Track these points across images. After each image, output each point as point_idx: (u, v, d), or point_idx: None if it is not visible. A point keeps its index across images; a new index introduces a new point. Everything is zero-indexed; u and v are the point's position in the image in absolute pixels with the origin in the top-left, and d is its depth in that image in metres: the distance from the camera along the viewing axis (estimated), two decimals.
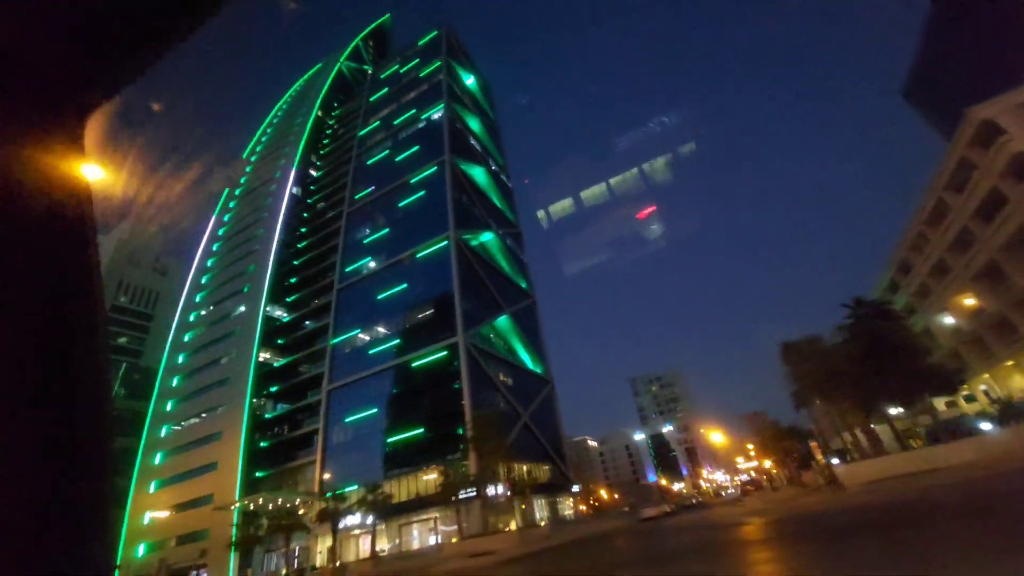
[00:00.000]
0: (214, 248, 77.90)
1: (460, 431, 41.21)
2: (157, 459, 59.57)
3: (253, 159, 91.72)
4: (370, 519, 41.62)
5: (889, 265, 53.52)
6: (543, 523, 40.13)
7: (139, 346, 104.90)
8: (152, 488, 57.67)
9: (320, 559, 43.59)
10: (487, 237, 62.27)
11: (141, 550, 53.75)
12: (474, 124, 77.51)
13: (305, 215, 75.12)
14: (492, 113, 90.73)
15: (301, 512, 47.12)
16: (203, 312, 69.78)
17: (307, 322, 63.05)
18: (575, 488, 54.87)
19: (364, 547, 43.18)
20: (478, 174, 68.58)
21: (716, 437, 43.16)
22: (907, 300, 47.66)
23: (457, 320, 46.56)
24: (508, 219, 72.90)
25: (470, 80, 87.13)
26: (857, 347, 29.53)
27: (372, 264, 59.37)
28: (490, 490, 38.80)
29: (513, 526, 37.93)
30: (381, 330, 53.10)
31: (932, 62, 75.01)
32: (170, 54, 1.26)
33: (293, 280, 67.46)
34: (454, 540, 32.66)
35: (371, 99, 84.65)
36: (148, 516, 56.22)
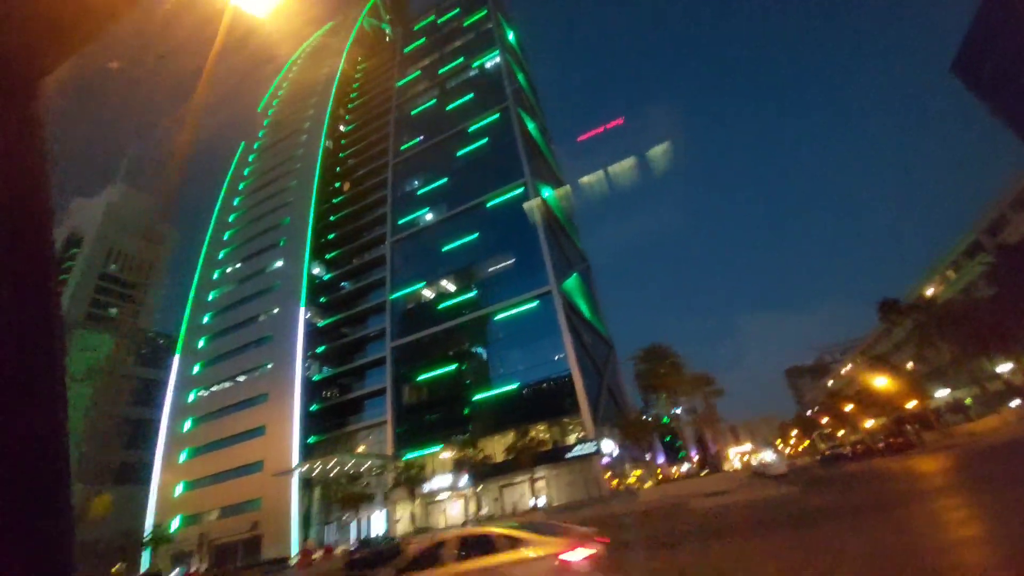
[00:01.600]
0: (235, 203, 71.13)
1: (566, 387, 37.56)
2: (186, 426, 53.66)
3: (270, 113, 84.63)
4: (463, 481, 37.69)
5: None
6: (677, 476, 36.96)
7: (133, 317, 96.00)
8: (183, 457, 51.88)
9: (401, 526, 39.29)
10: (548, 191, 58.15)
11: (176, 523, 48.15)
12: (520, 78, 72.85)
13: (338, 169, 69.21)
14: (530, 71, 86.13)
15: (365, 482, 42.90)
16: (229, 269, 63.41)
17: (350, 279, 57.88)
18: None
19: (452, 512, 39.17)
20: (532, 128, 64.24)
21: (880, 381, 40.09)
22: None
23: (548, 270, 42.62)
24: (557, 176, 68.91)
25: (511, 34, 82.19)
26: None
27: (430, 215, 54.58)
28: (604, 447, 35.30)
29: (642, 482, 34.57)
30: (449, 283, 48.58)
31: (984, 37, 74.57)
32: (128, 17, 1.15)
33: (331, 236, 61.84)
34: (647, 485, 28.98)
35: (406, 50, 78.86)
36: (180, 487, 50.54)
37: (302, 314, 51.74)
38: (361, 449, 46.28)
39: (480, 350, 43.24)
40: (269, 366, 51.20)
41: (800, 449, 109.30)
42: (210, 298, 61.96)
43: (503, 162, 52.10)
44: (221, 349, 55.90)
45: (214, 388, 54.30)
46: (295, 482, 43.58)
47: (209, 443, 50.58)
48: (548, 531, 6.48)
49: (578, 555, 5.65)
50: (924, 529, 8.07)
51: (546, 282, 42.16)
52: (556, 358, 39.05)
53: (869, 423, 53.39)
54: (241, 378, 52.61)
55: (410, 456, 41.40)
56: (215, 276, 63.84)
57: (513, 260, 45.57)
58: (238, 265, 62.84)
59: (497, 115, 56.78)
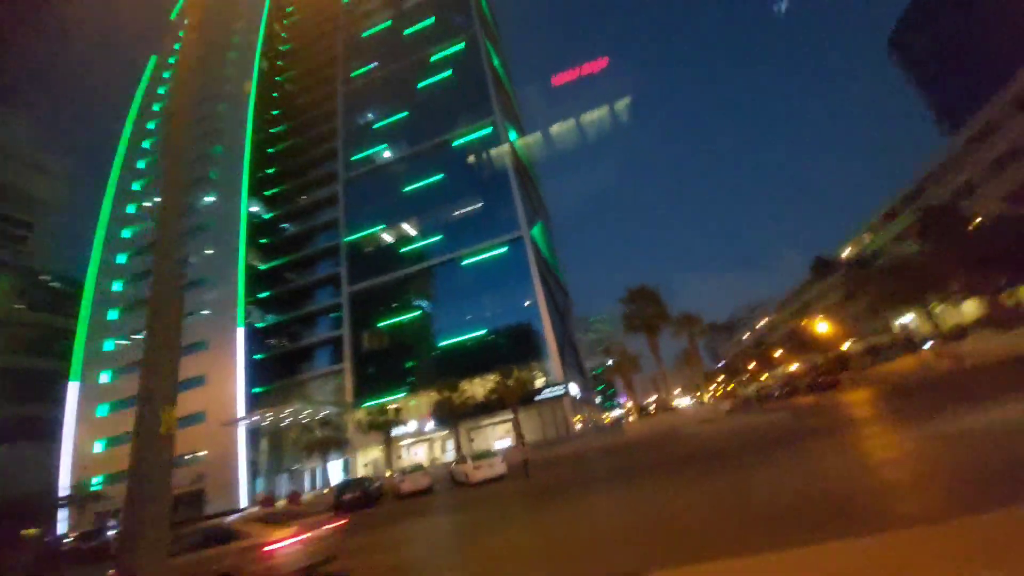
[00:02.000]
0: (149, 127, 61.19)
1: (533, 331, 37.32)
2: (104, 378, 47.79)
3: (186, 23, 72.01)
4: (430, 426, 37.06)
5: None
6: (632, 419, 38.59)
7: (26, 261, 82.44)
8: (102, 411, 46.46)
9: (365, 472, 38.22)
10: (514, 136, 55.58)
11: (97, 482, 43.67)
12: (484, 4, 67.35)
13: (275, 95, 61.32)
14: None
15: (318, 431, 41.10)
16: (148, 203, 55.20)
17: (296, 220, 52.75)
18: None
19: (417, 455, 38.67)
20: (496, 64, 60.23)
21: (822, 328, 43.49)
22: None
23: (519, 215, 41.11)
24: (519, 118, 66.08)
25: None
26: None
27: (388, 152, 50.27)
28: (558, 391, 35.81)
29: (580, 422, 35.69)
30: (412, 226, 45.66)
31: (918, 18, 79.14)
32: None
33: (271, 171, 55.49)
34: (631, 419, 29.39)
35: None
36: (100, 444, 45.57)
37: (242, 256, 46.59)
38: (318, 395, 43.88)
39: (445, 296, 41.53)
40: (205, 312, 46.14)
41: (720, 394, 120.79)
42: (125, 235, 53.98)
43: (470, 98, 48.54)
44: (142, 293, 49.34)
45: (136, 336, 48.27)
46: (241, 433, 40.67)
47: (134, 395, 45.41)
48: (274, 521, 7.54)
49: (282, 544, 6.78)
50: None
51: (516, 227, 40.78)
52: (526, 304, 38.47)
53: (793, 367, 59.26)
54: None
55: (372, 403, 39.85)
56: (130, 210, 55.42)
57: (481, 204, 43.44)
58: (158, 199, 54.65)
59: (463, 44, 52.29)
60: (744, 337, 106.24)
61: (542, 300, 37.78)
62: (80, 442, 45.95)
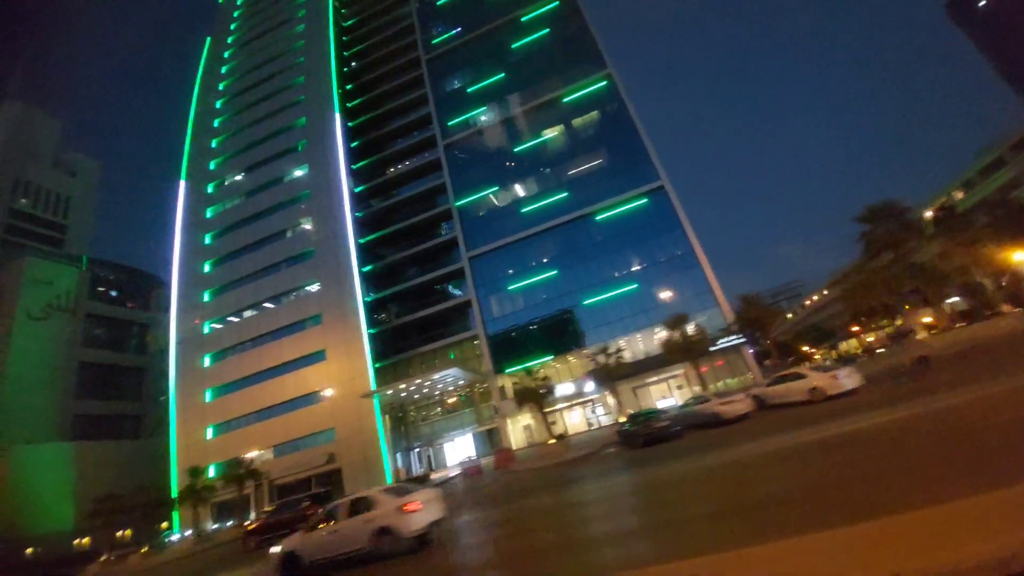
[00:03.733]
0: (217, 106, 58.60)
1: (693, 280, 35.20)
2: (206, 362, 45.24)
3: (239, 2, 69.67)
4: (589, 387, 34.80)
5: None
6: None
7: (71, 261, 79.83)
8: (208, 397, 43.90)
9: (516, 439, 35.91)
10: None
11: (212, 472, 41.06)
12: None
13: (346, 69, 58.87)
14: None
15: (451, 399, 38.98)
16: (228, 182, 52.66)
17: (386, 193, 50.26)
18: None
19: (572, 420, 36.40)
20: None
21: None
22: None
23: (656, 164, 39.01)
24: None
25: None
26: None
27: (488, 115, 47.99)
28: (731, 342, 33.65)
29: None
30: (529, 185, 43.47)
31: None
32: None
33: (355, 143, 52.98)
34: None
35: None
36: (209, 432, 43.01)
37: (350, 224, 44.19)
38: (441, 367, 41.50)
39: (580, 253, 39.27)
40: (314, 286, 43.70)
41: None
42: (208, 215, 51.41)
43: (575, 54, 46.51)
44: (240, 271, 46.86)
45: (239, 316, 45.75)
46: (378, 407, 38.23)
47: (244, 377, 42.94)
48: (396, 492, 10.22)
49: (412, 508, 9.44)
50: None
51: (656, 177, 38.65)
52: (678, 254, 36.35)
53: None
54: (278, 300, 44.59)
55: (515, 369, 37.62)
56: (209, 190, 52.85)
57: (608, 157, 41.32)
58: (241, 176, 52.25)
59: (556, 2, 50.23)
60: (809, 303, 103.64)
61: (698, 248, 35.67)
62: (184, 432, 43.38)
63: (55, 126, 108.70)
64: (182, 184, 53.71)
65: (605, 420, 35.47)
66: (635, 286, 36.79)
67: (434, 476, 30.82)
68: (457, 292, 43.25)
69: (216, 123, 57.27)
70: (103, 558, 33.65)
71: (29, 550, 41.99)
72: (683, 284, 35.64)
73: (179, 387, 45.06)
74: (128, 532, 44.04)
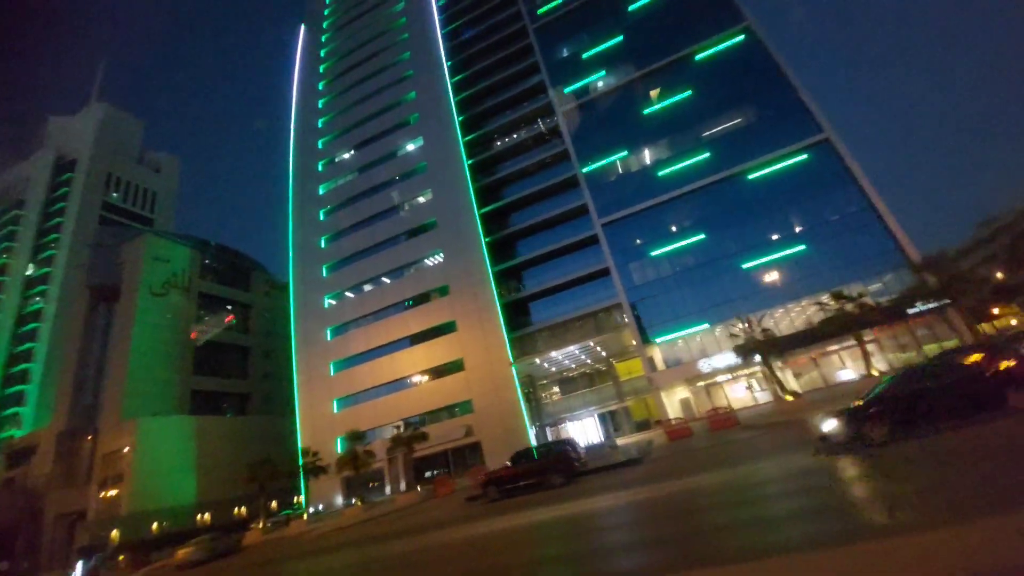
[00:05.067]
0: (319, 87, 58.95)
1: (875, 240, 31.71)
2: (327, 336, 44.72)
3: None
4: (757, 358, 31.65)
5: None
6: None
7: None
8: (332, 371, 43.25)
9: (673, 412, 33.19)
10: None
11: (339, 447, 40.17)
12: None
13: (449, 45, 58.01)
14: None
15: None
16: (338, 159, 52.56)
17: (507, 160, 48.69)
18: None
19: (736, 394, 33.39)
20: None
21: None
22: None
23: (817, 116, 35.76)
24: None
25: None
26: None
27: (607, 79, 45.80)
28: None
29: None
30: (663, 147, 40.93)
31: None
32: None
33: (461, 118, 51.74)
34: None
35: None
36: (334, 405, 42.26)
37: (472, 194, 42.86)
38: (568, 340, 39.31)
39: (732, 216, 36.37)
40: (439, 257, 42.52)
41: None
42: (320, 192, 51.36)
43: (703, 9, 43.75)
44: (359, 244, 46.33)
45: (360, 289, 45.11)
46: (516, 380, 36.38)
47: (370, 350, 42.14)
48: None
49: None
50: None
51: (817, 130, 35.39)
52: (853, 211, 32.94)
53: None
54: (387, 279, 43.67)
55: (662, 338, 35.05)
56: (319, 168, 52.89)
57: (756, 112, 38.31)
58: (351, 152, 52.03)
59: None
60: None
61: (879, 202, 32.15)
62: (308, 405, 42.80)
63: (139, 125, 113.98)
64: (292, 157, 54.06)
65: (762, 396, 32.35)
66: (802, 247, 33.55)
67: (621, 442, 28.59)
68: (590, 261, 41.00)
69: (320, 104, 57.54)
70: (260, 525, 32.75)
71: (155, 525, 42.05)
72: (862, 244, 32.17)
73: (300, 362, 44.73)
74: (275, 503, 43.79)
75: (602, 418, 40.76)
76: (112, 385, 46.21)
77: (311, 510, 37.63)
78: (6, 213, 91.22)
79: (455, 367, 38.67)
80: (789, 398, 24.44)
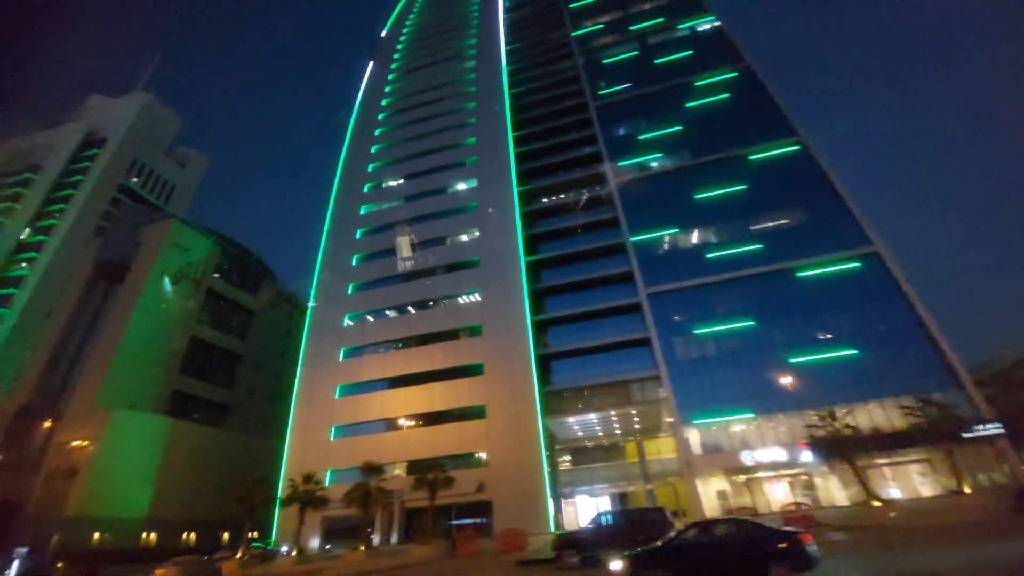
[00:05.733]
0: (379, 118, 60.92)
1: (927, 355, 31.77)
2: (340, 355, 42.21)
3: (402, 39, 75.48)
4: (806, 456, 30.36)
5: None
6: None
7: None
8: (337, 393, 40.32)
9: (709, 504, 30.77)
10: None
11: (327, 479, 36.39)
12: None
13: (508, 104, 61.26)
14: None
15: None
16: (385, 185, 52.97)
17: (558, 216, 49.34)
18: None
19: (775, 495, 31.40)
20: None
21: None
22: None
23: (865, 228, 37.34)
24: None
25: None
26: None
27: (662, 161, 48.05)
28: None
29: None
30: (712, 232, 42.00)
31: None
32: None
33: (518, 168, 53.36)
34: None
35: (571, 5, 73.61)
36: (331, 433, 38.89)
37: (520, 241, 42.89)
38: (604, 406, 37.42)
39: (780, 308, 36.52)
40: (475, 295, 41.51)
41: None
42: (361, 212, 51.09)
43: (759, 120, 47.13)
44: (389, 270, 45.22)
45: (382, 314, 43.36)
46: (542, 437, 33.99)
47: (384, 379, 39.61)
48: None
49: None
50: None
51: (865, 242, 36.76)
52: (902, 323, 33.27)
53: None
54: (430, 305, 42.27)
55: (702, 420, 33.59)
56: (365, 190, 53.10)
57: (806, 216, 39.93)
58: (398, 181, 52.61)
59: (734, 74, 52.16)
60: None
61: (929, 320, 32.61)
62: (300, 428, 39.37)
63: (177, 120, 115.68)
64: (338, 178, 54.30)
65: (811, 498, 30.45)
66: (854, 352, 33.36)
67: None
68: (628, 328, 40.25)
69: (376, 132, 59.09)
70: (239, 555, 28.28)
71: (96, 536, 36.56)
72: (912, 358, 32.14)
73: (304, 379, 41.76)
74: (227, 535, 38.54)
75: (617, 498, 37.90)
76: (92, 368, 42.19)
77: (283, 549, 32.99)
78: (18, 174, 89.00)
79: (475, 413, 36.23)
80: (876, 503, 22.75)
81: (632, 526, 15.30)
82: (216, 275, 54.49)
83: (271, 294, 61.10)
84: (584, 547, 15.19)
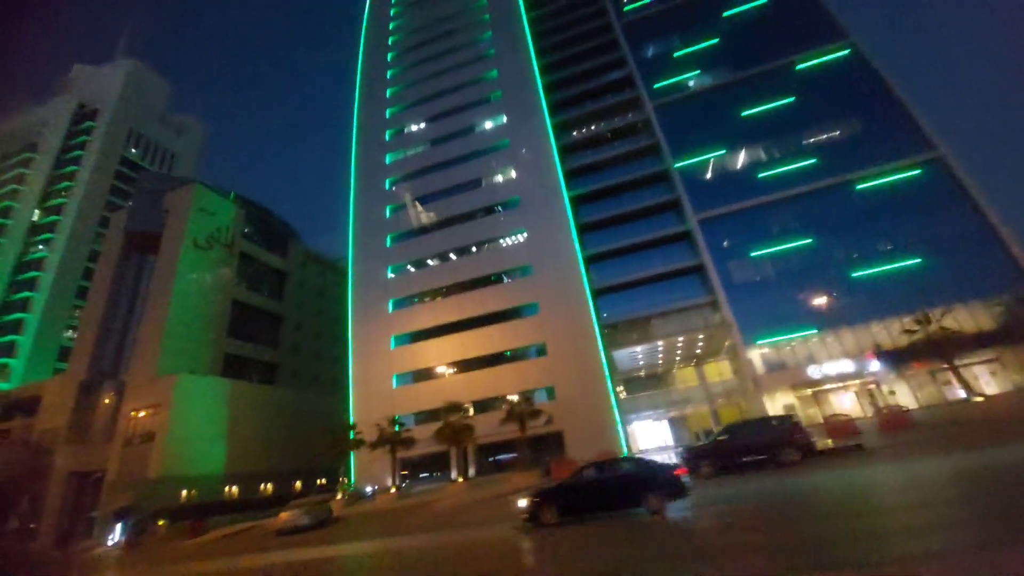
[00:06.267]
0: (388, 58, 57.27)
1: (995, 257, 31.12)
2: (389, 307, 42.23)
3: None
4: (874, 366, 30.58)
5: None
6: None
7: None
8: (391, 344, 40.67)
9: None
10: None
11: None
12: None
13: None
14: None
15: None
16: (407, 131, 50.67)
17: (592, 148, 47.35)
18: None
19: (843, 404, 32.03)
20: None
21: None
22: None
23: (929, 135, 35.52)
24: None
25: None
26: None
27: (699, 79, 45.28)
28: None
29: None
30: (758, 150, 40.23)
31: None
32: None
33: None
34: None
35: None
36: (392, 381, 39.61)
37: (560, 174, 41.42)
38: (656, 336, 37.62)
39: (839, 223, 35.52)
40: (519, 236, 40.72)
41: None
42: (387, 161, 49.25)
43: (805, 23, 43.78)
44: (428, 218, 44.18)
45: (424, 263, 42.85)
46: (606, 368, 34.44)
47: (438, 326, 39.70)
48: None
49: None
50: None
51: (928, 147, 35.11)
52: (969, 228, 32.40)
53: None
54: (453, 256, 41.62)
55: (764, 340, 33.72)
56: (387, 137, 50.90)
57: (863, 125, 37.95)
58: (420, 125, 50.26)
59: None
60: None
61: (999, 223, 31.69)
62: (362, 379, 40.08)
63: (165, 87, 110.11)
64: (356, 118, 52.02)
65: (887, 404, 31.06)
66: (917, 260, 32.76)
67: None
68: (679, 256, 39.64)
69: (388, 74, 55.78)
70: (339, 497, 29.58)
71: (184, 493, 38.31)
72: (979, 261, 31.55)
73: (356, 334, 41.99)
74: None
75: (677, 421, 39.01)
76: (145, 338, 42.53)
77: (367, 489, 34.60)
78: (17, 154, 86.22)
79: (535, 351, 36.59)
80: (979, 399, 23.06)
81: (761, 435, 15.50)
82: (244, 239, 53.60)
83: (299, 254, 60.44)
84: (718, 456, 15.50)
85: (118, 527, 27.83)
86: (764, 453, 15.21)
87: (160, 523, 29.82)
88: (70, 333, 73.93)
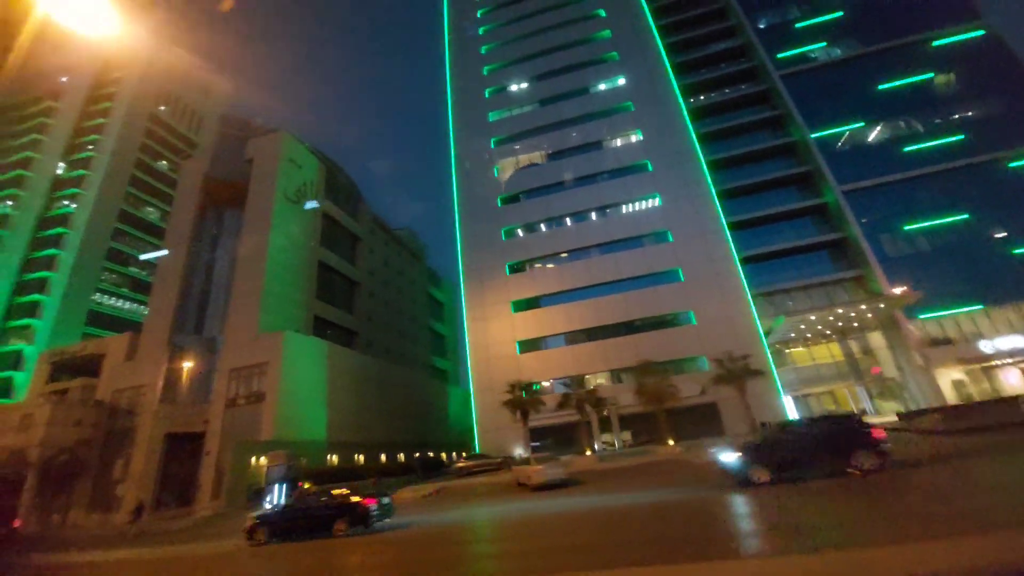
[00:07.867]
0: (478, 14, 54.21)
1: None
2: (506, 270, 40.03)
3: None
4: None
5: None
6: None
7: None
8: (512, 309, 38.58)
9: (947, 395, 30.76)
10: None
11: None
12: None
13: None
14: None
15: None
16: (509, 89, 48.02)
17: (718, 115, 45.63)
18: None
19: (1010, 380, 31.41)
20: None
21: None
22: None
23: None
24: None
25: None
26: None
27: (830, 51, 43.88)
28: None
29: None
30: (899, 124, 39.18)
31: None
32: None
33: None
34: None
35: None
36: (515, 347, 37.57)
37: (692, 139, 39.66)
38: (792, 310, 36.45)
39: (996, 200, 34.75)
40: (654, 200, 38.88)
41: None
42: (490, 119, 46.62)
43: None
44: (544, 179, 41.99)
45: (519, 232, 40.67)
46: (764, 339, 33.11)
47: (567, 291, 37.73)
48: None
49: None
50: None
51: None
52: None
53: None
54: (568, 220, 39.64)
55: (927, 316, 32.86)
56: (486, 95, 48.16)
57: (1008, 104, 37.20)
58: (524, 85, 47.65)
59: None
60: None
61: None
62: (489, 343, 37.98)
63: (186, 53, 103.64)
64: (448, 71, 49.18)
65: None
66: None
67: None
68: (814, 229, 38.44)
69: (480, 31, 52.82)
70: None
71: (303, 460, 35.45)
72: None
73: (471, 295, 39.74)
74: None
75: (799, 400, 38.02)
76: (243, 295, 39.29)
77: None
78: (37, 103, 79.81)
79: (680, 319, 35.01)
80: None
81: (831, 433, 13.11)
82: (327, 198, 50.33)
83: (368, 219, 57.40)
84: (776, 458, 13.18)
85: (275, 488, 25.23)
86: (837, 456, 12.73)
87: (307, 485, 27.33)
88: (97, 296, 69.42)
